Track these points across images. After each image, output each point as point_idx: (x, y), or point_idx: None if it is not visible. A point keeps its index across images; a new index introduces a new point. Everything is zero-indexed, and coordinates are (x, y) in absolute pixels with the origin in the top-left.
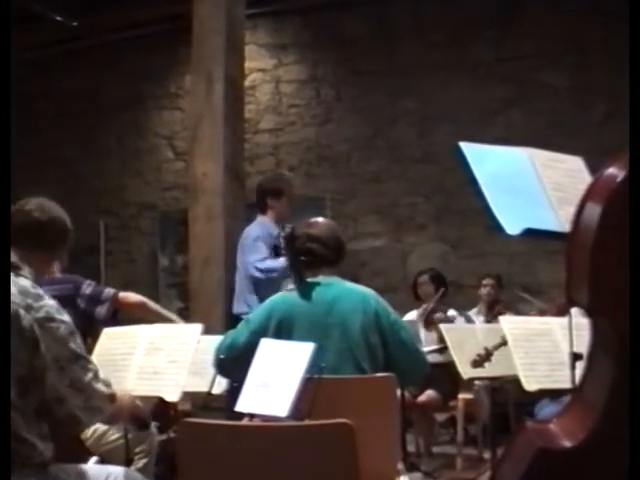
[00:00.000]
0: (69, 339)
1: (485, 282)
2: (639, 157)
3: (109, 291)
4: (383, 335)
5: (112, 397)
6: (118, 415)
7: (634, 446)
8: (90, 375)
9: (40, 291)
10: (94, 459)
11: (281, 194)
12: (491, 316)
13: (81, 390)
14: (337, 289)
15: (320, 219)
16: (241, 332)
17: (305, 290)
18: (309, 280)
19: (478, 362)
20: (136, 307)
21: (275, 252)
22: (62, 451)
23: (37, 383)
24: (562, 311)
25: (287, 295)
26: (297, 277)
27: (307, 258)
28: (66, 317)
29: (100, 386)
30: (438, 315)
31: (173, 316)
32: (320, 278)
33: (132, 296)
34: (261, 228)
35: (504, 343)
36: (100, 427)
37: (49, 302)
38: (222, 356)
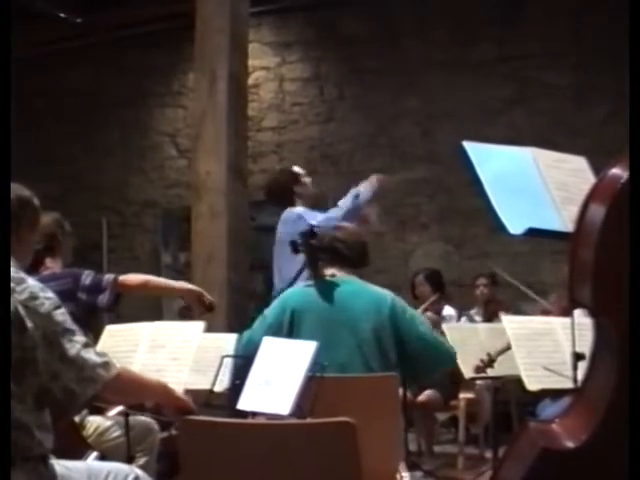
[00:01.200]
0: (55, 313)
1: (478, 282)
2: (639, 157)
3: (109, 277)
4: (400, 334)
5: (107, 365)
6: (126, 390)
7: (634, 447)
8: (77, 346)
9: (22, 274)
10: (94, 454)
11: (297, 180)
12: (487, 315)
13: (71, 363)
14: (353, 287)
15: (348, 225)
16: (257, 328)
17: (321, 286)
18: (328, 277)
19: (481, 368)
20: (139, 287)
21: (293, 248)
22: (62, 445)
23: (31, 365)
24: (565, 313)
25: (302, 288)
26: (314, 273)
27: (329, 255)
28: (50, 294)
29: (91, 355)
30: (429, 315)
31: (182, 284)
32: (338, 276)
33: (133, 278)
34: (298, 211)
35: (508, 348)
36: (102, 423)
37: (31, 283)
38: (240, 354)
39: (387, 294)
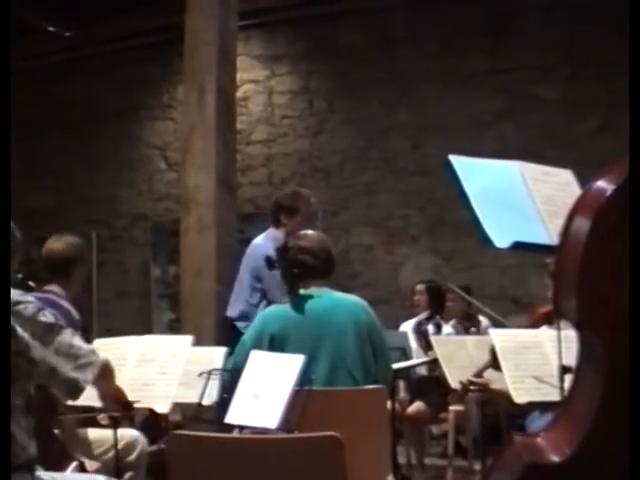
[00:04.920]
0: (38, 314)
1: (448, 296)
2: (639, 167)
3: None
4: (373, 344)
5: (96, 352)
6: (110, 378)
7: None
8: (68, 337)
9: None
10: (74, 464)
11: (296, 213)
12: (461, 328)
13: (67, 354)
14: (329, 300)
15: (310, 231)
16: (240, 355)
17: (298, 302)
18: (301, 292)
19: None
20: None
21: (268, 265)
22: (44, 455)
23: (24, 368)
24: (537, 324)
25: (279, 308)
26: (290, 289)
27: (299, 270)
28: (30, 298)
29: (81, 343)
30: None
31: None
32: (312, 290)
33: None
34: (273, 244)
35: (488, 367)
36: (89, 437)
37: (11, 292)
38: (227, 382)
39: (362, 303)
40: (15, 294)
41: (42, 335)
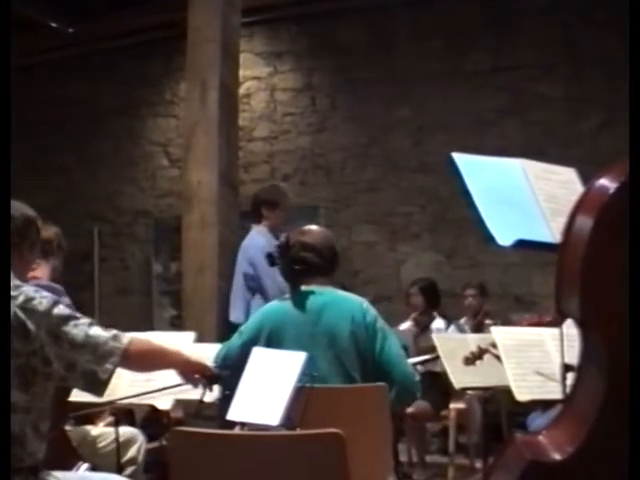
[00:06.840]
0: (53, 308)
1: (466, 292)
2: (639, 166)
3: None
4: (372, 341)
5: (117, 337)
6: (143, 357)
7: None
8: (84, 328)
9: (17, 282)
10: (85, 466)
11: (276, 205)
12: (474, 325)
13: (83, 346)
14: (327, 298)
15: (314, 227)
16: (234, 343)
17: (298, 299)
18: (303, 289)
19: (470, 360)
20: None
21: (270, 261)
22: (53, 456)
23: (41, 369)
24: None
25: (279, 304)
26: (291, 286)
27: (301, 267)
28: (45, 293)
29: (99, 332)
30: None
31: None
32: (314, 287)
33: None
34: (264, 238)
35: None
36: (89, 433)
37: (26, 288)
38: (218, 368)
39: (360, 300)
40: (30, 290)
41: (57, 329)
